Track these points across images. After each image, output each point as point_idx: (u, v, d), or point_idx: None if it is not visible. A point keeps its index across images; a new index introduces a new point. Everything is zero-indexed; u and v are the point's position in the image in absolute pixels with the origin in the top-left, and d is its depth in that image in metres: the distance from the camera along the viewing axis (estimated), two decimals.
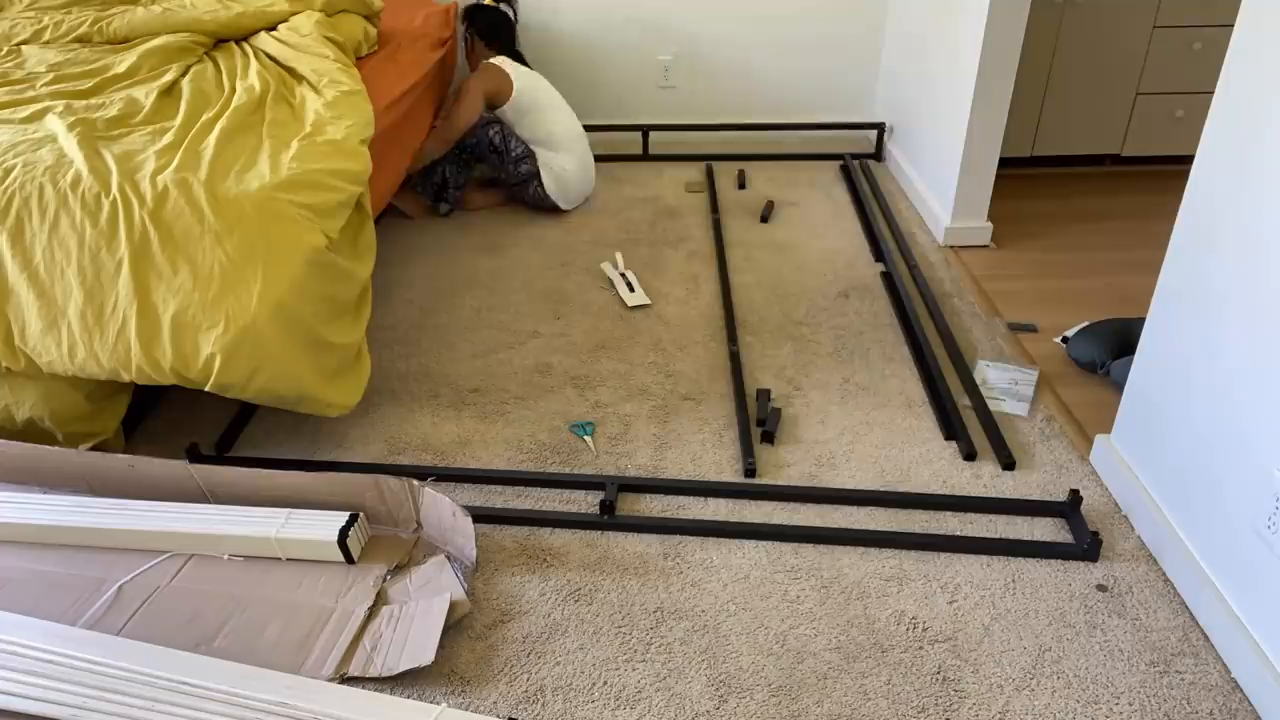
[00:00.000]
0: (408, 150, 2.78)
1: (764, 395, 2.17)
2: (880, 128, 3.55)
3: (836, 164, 3.53)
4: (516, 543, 1.77)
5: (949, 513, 1.83)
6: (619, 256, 2.79)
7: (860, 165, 3.51)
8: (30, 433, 1.90)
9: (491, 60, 3.02)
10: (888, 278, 2.71)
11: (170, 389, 2.24)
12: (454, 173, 3.12)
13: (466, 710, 1.44)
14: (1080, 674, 1.49)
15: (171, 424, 2.13)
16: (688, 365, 2.32)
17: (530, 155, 3.02)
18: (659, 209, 3.19)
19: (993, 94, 2.71)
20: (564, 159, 3.06)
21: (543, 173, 3.03)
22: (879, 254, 2.84)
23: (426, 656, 1.48)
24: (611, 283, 2.69)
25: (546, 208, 3.14)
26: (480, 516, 1.83)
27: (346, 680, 1.46)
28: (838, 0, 3.61)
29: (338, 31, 2.67)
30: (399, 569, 1.67)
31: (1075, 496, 1.80)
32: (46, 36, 2.55)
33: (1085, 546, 1.71)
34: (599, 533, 1.79)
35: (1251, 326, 1.46)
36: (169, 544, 1.69)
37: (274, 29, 2.69)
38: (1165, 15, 3.09)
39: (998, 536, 1.78)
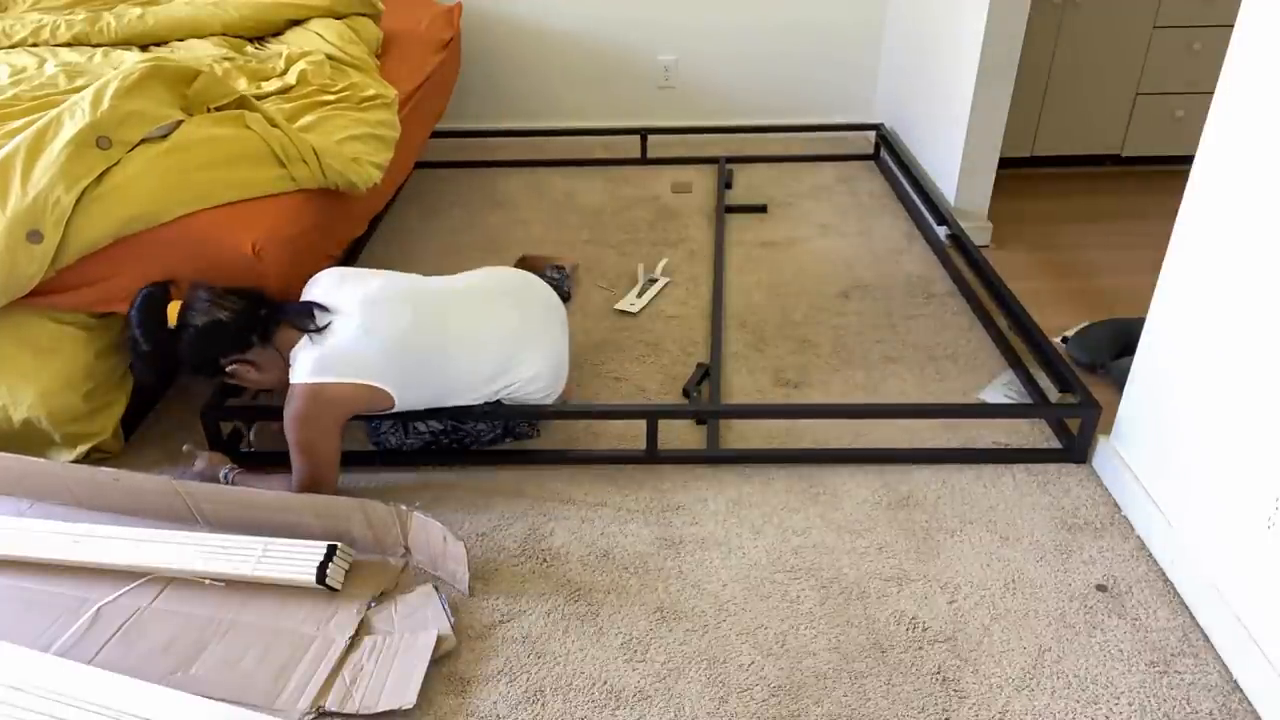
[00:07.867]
0: (410, 151, 2.77)
1: (702, 367, 2.29)
2: (880, 128, 3.54)
3: (835, 164, 3.53)
4: (517, 542, 1.77)
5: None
6: (662, 263, 2.77)
7: (890, 157, 3.44)
8: (27, 433, 1.88)
9: (305, 382, 1.68)
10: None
11: (171, 388, 2.24)
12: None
13: (466, 712, 1.44)
14: (1080, 674, 1.49)
15: (174, 423, 2.12)
16: (687, 368, 2.32)
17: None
18: (659, 209, 3.18)
19: (993, 94, 2.71)
20: (531, 363, 1.90)
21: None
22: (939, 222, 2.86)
23: (409, 698, 1.43)
24: (629, 284, 2.68)
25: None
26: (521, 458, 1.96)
27: (323, 715, 1.42)
28: (837, 2, 3.61)
29: (359, 39, 2.76)
30: (384, 596, 1.63)
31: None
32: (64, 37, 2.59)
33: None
34: (599, 531, 1.79)
35: (1251, 326, 1.46)
36: (143, 573, 1.65)
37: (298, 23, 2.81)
38: (1165, 15, 3.09)
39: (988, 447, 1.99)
